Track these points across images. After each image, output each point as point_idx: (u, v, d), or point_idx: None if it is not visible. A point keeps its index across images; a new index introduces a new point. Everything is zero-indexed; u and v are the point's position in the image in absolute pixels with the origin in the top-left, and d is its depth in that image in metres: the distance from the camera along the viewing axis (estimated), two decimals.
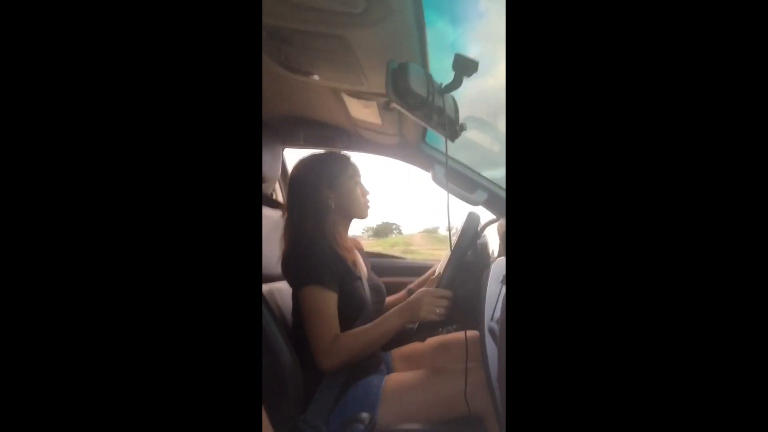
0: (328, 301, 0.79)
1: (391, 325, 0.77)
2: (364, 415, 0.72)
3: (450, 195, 0.85)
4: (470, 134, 1.14)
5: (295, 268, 0.84)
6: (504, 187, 1.15)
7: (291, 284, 0.86)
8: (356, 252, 0.96)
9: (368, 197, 0.95)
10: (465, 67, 0.66)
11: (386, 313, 0.80)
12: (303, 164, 0.94)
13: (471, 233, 0.84)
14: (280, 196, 1.47)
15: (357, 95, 0.91)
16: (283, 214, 1.18)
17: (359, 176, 0.94)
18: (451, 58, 0.67)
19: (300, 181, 0.92)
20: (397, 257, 1.55)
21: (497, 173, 1.17)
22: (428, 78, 0.67)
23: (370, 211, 0.96)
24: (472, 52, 0.67)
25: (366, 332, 0.78)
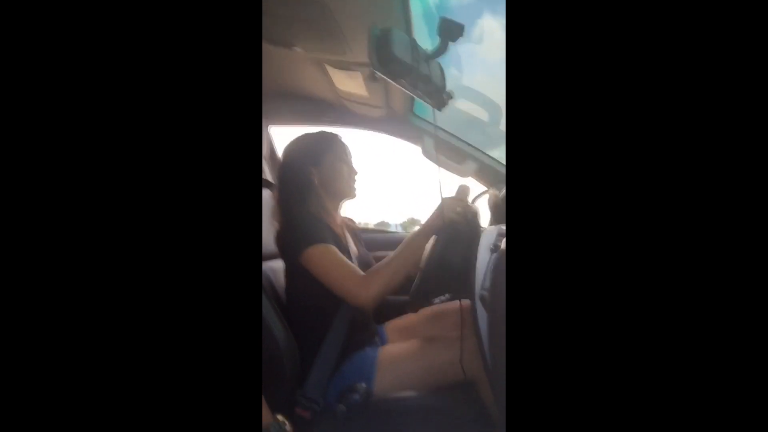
0: (334, 252, 0.79)
1: (418, 242, 0.77)
2: (361, 385, 0.73)
3: (440, 167, 0.85)
4: (460, 104, 1.12)
5: (290, 237, 0.83)
6: (493, 157, 1.14)
7: (289, 255, 0.85)
8: (345, 229, 0.96)
9: (356, 177, 0.94)
10: (451, 31, 0.64)
11: (409, 236, 0.79)
12: (292, 143, 0.94)
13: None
14: (268, 174, 1.45)
15: (341, 65, 0.89)
16: (273, 194, 1.17)
17: (348, 155, 0.93)
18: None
19: (288, 159, 0.93)
20: (389, 232, 1.55)
21: (491, 145, 1.16)
22: (412, 44, 0.64)
23: (359, 192, 0.95)
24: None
25: (395, 258, 0.77)
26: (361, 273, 0.77)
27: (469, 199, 0.88)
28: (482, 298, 0.61)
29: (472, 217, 0.80)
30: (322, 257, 0.78)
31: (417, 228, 0.83)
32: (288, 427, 0.61)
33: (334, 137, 0.94)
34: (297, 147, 0.93)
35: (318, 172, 0.89)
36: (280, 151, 1.48)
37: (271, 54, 0.87)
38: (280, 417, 0.61)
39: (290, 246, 0.82)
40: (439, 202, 0.78)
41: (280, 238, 0.85)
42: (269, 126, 1.30)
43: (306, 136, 0.94)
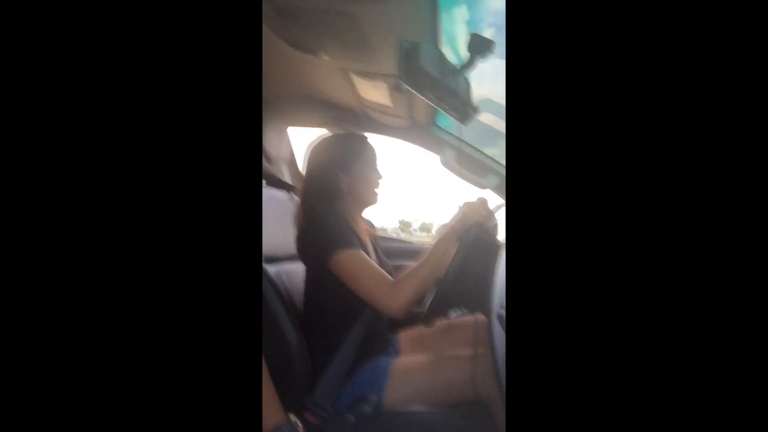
0: (364, 257, 0.78)
1: (445, 246, 0.76)
2: (372, 396, 0.73)
3: (460, 179, 0.84)
4: (483, 117, 1.11)
5: (316, 242, 0.82)
6: None
7: (316, 258, 0.83)
8: (366, 236, 0.96)
9: (380, 182, 0.93)
10: (480, 47, 0.63)
11: (435, 242, 0.79)
12: (320, 145, 0.93)
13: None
14: (286, 176, 1.46)
15: (366, 75, 0.89)
16: (291, 195, 1.17)
17: (376, 161, 0.93)
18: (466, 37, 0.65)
19: (316, 162, 0.92)
20: (405, 241, 1.55)
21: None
22: (442, 58, 0.65)
23: (380, 198, 0.95)
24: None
25: (424, 264, 0.76)
26: (392, 280, 0.76)
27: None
28: (500, 317, 0.60)
29: (493, 226, 0.79)
30: (352, 263, 0.77)
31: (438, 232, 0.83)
32: (300, 428, 0.60)
33: (363, 141, 0.93)
34: (326, 150, 0.92)
35: (346, 178, 0.89)
36: (298, 154, 1.49)
37: (297, 60, 0.88)
38: (292, 417, 0.61)
39: (318, 249, 0.81)
40: (456, 210, 0.78)
41: (304, 241, 0.85)
42: (288, 127, 1.32)
43: (335, 139, 0.93)
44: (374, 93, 0.96)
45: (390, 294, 0.74)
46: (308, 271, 0.87)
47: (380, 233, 1.62)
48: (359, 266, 0.77)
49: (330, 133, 0.97)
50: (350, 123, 1.19)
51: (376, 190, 0.93)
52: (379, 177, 0.93)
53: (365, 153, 0.91)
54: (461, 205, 0.79)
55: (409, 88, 0.65)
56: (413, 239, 1.54)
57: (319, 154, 0.92)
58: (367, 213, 0.98)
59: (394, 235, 1.67)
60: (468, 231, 0.73)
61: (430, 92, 0.66)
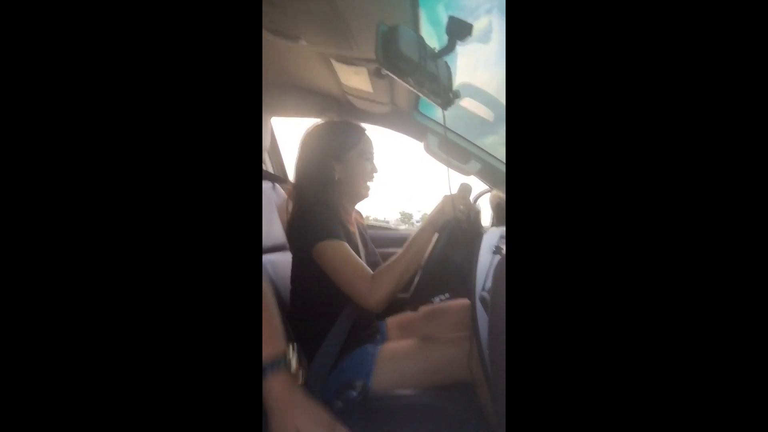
0: (347, 250, 0.78)
1: (422, 240, 0.76)
2: (358, 381, 0.74)
3: (442, 165, 0.84)
4: (465, 102, 1.11)
5: (303, 229, 0.81)
6: (498, 157, 1.14)
7: (301, 246, 0.83)
8: (356, 227, 0.96)
9: (375, 175, 0.92)
10: (459, 30, 0.63)
11: (412, 235, 0.79)
12: (314, 132, 0.91)
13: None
14: (269, 166, 1.45)
15: (346, 61, 0.88)
16: (274, 186, 1.16)
17: (372, 152, 0.91)
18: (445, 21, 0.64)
19: (309, 149, 0.90)
20: (392, 229, 1.55)
21: (491, 141, 1.15)
22: (420, 42, 0.64)
23: (371, 192, 0.93)
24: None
25: (401, 258, 0.76)
26: (370, 274, 0.76)
27: (471, 198, 0.88)
28: (482, 300, 0.61)
29: (475, 216, 0.80)
30: (334, 254, 0.77)
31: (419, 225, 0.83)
32: (294, 366, 0.55)
33: (360, 132, 0.91)
34: (320, 138, 0.90)
35: (340, 168, 0.87)
36: (281, 143, 1.47)
37: (276, 46, 0.86)
38: (291, 352, 0.55)
39: (303, 237, 0.80)
40: (441, 198, 0.78)
41: (293, 227, 0.84)
42: (271, 118, 1.30)
43: (331, 126, 0.91)
44: (355, 79, 0.95)
45: (368, 288, 0.74)
46: (295, 259, 0.87)
47: (382, 226, 1.62)
48: (340, 258, 0.77)
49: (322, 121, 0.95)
50: (332, 111, 1.18)
51: (369, 183, 0.91)
52: (375, 171, 0.92)
53: (361, 143, 0.90)
54: (443, 197, 0.79)
55: (389, 72, 0.64)
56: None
57: (314, 140, 0.90)
58: (368, 206, 0.98)
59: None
60: (444, 225, 0.74)
61: (410, 77, 0.66)
